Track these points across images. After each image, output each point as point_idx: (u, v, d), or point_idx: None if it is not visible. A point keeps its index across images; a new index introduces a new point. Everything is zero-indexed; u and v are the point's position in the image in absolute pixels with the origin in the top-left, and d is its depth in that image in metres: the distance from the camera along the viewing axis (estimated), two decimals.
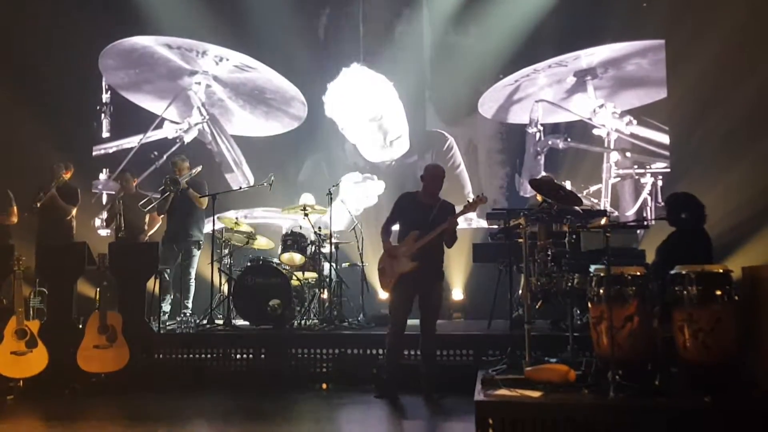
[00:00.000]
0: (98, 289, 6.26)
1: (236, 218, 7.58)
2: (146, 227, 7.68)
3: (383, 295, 6.79)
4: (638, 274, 4.41)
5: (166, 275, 7.31)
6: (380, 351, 6.03)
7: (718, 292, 4.14)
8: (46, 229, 7.31)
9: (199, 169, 7.52)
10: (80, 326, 6.15)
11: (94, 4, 9.03)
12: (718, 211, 6.74)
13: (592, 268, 4.60)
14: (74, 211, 7.50)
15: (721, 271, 4.22)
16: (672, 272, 4.32)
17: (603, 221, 5.77)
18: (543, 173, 6.74)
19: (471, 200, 5.42)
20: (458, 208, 5.48)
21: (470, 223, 8.52)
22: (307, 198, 7.80)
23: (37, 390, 5.70)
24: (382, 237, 5.62)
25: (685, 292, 4.19)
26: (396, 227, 5.67)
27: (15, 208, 7.37)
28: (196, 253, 7.54)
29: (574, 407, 4.04)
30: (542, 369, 4.58)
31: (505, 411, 4.07)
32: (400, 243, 5.52)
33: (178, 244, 7.40)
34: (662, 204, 5.17)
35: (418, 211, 5.48)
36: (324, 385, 6.02)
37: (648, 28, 8.30)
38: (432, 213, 5.40)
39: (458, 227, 8.16)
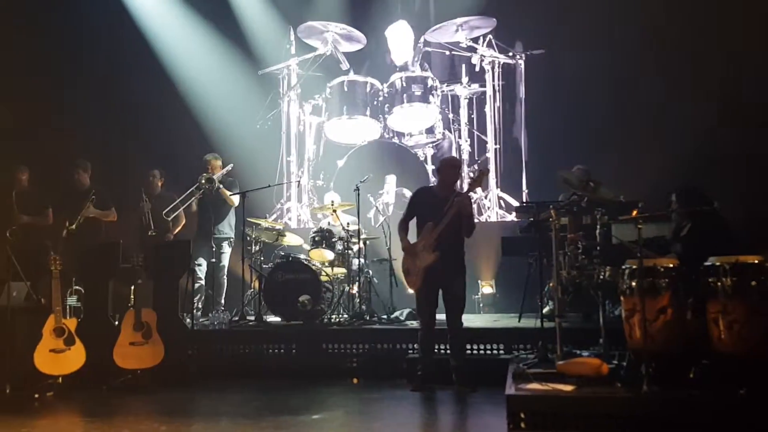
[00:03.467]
0: (133, 287, 6.38)
1: (266, 216, 7.66)
2: (171, 226, 7.78)
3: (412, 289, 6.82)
4: (671, 265, 4.35)
5: (198, 272, 7.42)
6: (410, 345, 6.06)
7: (753, 283, 4.07)
8: (80, 230, 7.42)
9: (230, 167, 7.62)
10: (116, 323, 6.27)
11: None
12: (759, 201, 6.64)
13: None
14: (114, 211, 7.60)
15: (756, 261, 4.14)
16: (706, 263, 4.26)
17: (634, 212, 5.69)
18: (578, 166, 6.66)
19: (473, 176, 5.37)
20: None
21: (499, 215, 8.48)
22: (332, 197, 7.82)
23: (75, 386, 5.82)
24: (399, 235, 5.63)
25: (719, 284, 4.13)
26: (414, 225, 5.67)
27: (51, 210, 7.50)
28: (227, 249, 7.66)
29: (607, 401, 4.01)
30: (574, 363, 4.56)
31: (536, 405, 4.06)
32: (418, 239, 5.52)
33: (210, 242, 7.51)
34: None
35: (434, 204, 5.47)
36: (355, 380, 6.06)
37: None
38: (448, 204, 5.38)
39: (488, 220, 8.30)
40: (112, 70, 9.13)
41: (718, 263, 4.18)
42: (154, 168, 7.96)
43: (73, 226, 7.22)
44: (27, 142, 8.25)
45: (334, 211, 7.29)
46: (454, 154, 8.71)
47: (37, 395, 5.61)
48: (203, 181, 7.40)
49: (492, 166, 8.55)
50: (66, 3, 8.94)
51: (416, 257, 5.41)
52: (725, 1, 7.86)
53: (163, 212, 7.39)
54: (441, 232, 5.30)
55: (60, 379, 5.84)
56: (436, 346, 5.75)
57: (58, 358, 5.83)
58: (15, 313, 6.09)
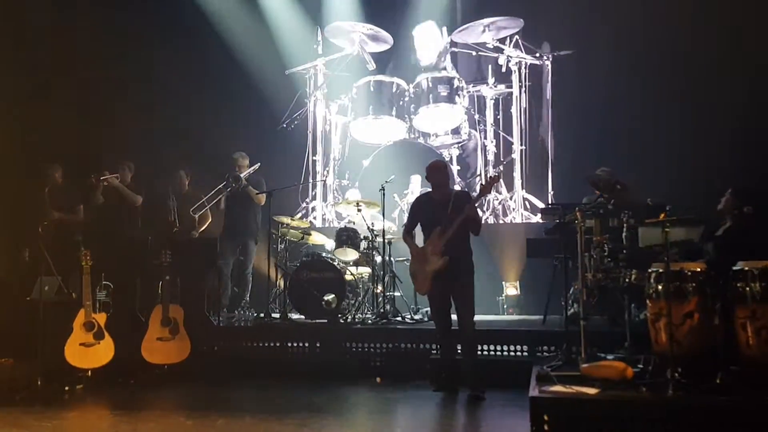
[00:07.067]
0: (160, 283, 6.48)
1: (292, 215, 7.72)
2: (197, 224, 7.86)
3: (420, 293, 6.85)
4: (699, 270, 4.31)
5: (224, 270, 7.51)
6: (433, 345, 6.07)
7: None
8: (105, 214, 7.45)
9: (257, 166, 7.70)
10: (144, 319, 6.37)
11: None
12: None
13: None
14: (139, 198, 7.58)
15: None
16: (734, 268, 4.22)
17: (661, 216, 5.64)
18: (603, 168, 6.61)
19: (484, 182, 5.36)
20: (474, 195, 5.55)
21: (524, 217, 8.45)
22: (353, 194, 7.86)
23: (104, 380, 5.93)
24: (406, 243, 5.71)
25: (747, 289, 4.08)
26: (419, 232, 5.69)
27: (82, 207, 7.62)
28: (253, 248, 7.74)
29: (632, 405, 3.97)
30: (599, 366, 4.53)
31: (560, 407, 4.04)
32: (425, 244, 5.54)
33: (236, 240, 7.60)
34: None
35: (435, 208, 5.49)
36: (378, 379, 6.08)
37: None
38: (449, 206, 5.39)
39: (513, 221, 8.28)
40: (140, 70, 9.23)
41: (746, 268, 4.13)
42: (181, 166, 8.03)
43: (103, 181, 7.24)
44: (59, 139, 8.38)
45: (359, 210, 7.29)
46: (479, 154, 8.70)
47: (67, 388, 5.73)
48: (231, 180, 7.49)
49: (517, 167, 8.53)
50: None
51: (425, 262, 5.43)
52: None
53: (191, 209, 7.46)
54: (449, 238, 5.31)
55: (89, 372, 5.95)
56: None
57: (87, 351, 5.95)
58: (46, 307, 6.21)
